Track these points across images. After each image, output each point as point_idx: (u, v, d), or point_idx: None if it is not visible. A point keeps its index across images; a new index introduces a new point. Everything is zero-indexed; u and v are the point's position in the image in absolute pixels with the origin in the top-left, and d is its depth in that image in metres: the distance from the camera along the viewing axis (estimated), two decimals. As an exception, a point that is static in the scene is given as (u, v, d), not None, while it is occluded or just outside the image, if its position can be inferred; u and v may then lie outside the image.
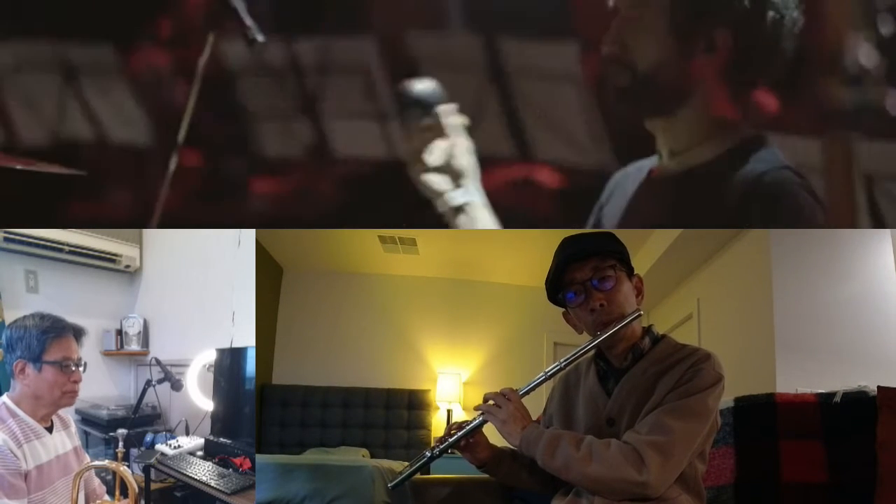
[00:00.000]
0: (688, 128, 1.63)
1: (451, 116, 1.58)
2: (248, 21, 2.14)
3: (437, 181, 1.58)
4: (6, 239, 3.60)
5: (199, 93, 2.13)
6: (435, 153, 1.57)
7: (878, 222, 2.64)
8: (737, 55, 1.58)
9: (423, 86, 1.59)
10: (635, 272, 1.73)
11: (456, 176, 1.58)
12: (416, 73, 2.74)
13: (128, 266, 4.38)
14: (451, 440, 1.71)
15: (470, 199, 1.58)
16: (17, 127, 2.83)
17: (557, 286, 1.71)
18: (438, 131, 1.57)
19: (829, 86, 2.61)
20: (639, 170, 1.75)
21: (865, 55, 2.57)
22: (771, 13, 1.56)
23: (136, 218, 2.90)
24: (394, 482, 1.77)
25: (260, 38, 2.14)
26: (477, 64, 2.76)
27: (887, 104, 2.60)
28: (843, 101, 2.59)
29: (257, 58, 2.27)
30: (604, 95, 1.67)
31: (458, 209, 1.58)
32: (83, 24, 2.77)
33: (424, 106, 1.58)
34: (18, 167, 2.00)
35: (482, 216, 1.59)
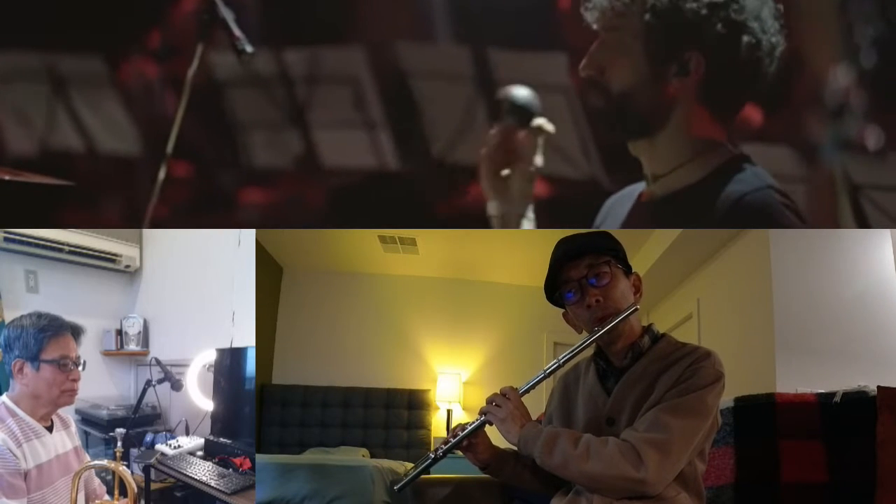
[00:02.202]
0: (668, 150, 1.63)
1: (543, 129, 1.58)
2: (237, 32, 2.14)
3: (501, 187, 1.58)
4: (6, 239, 3.60)
5: (188, 103, 2.13)
6: (513, 164, 1.58)
7: (863, 225, 2.67)
8: (710, 78, 1.58)
9: (526, 94, 1.59)
10: (633, 270, 1.74)
11: (520, 187, 1.58)
12: (405, 83, 2.75)
13: (128, 266, 4.38)
14: (454, 441, 1.72)
15: (522, 211, 1.59)
16: (6, 137, 2.83)
17: (554, 286, 1.72)
18: (528, 142, 1.57)
19: (811, 117, 2.64)
20: (630, 194, 1.76)
21: (846, 88, 2.60)
22: (746, 38, 1.56)
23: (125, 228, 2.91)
24: (400, 485, 1.77)
25: (249, 48, 2.14)
26: (465, 75, 2.76)
27: (866, 138, 2.62)
28: (824, 133, 2.63)
29: (246, 68, 2.27)
30: (590, 108, 1.67)
31: (503, 217, 1.59)
32: (72, 35, 2.78)
33: (524, 115, 1.58)
34: (6, 178, 1.99)
35: (525, 226, 1.60)
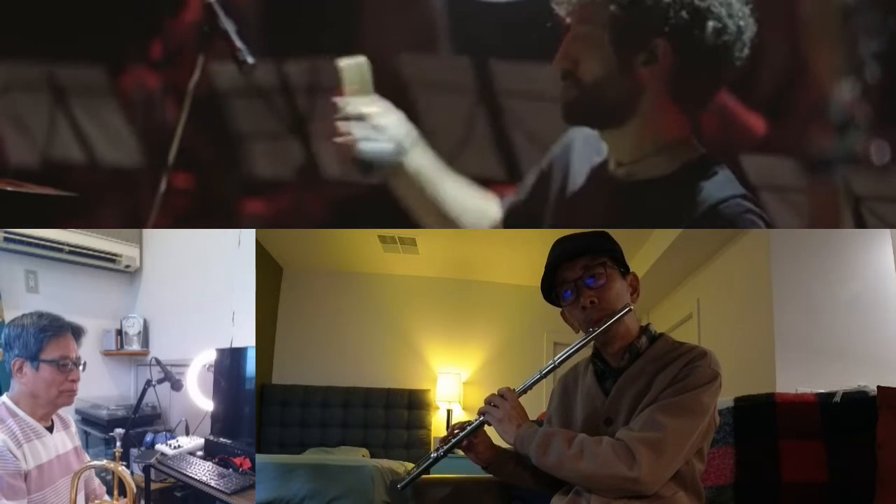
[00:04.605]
0: (635, 140, 1.66)
1: None
2: (239, 43, 2.14)
3: None
4: (6, 239, 3.60)
5: (189, 114, 2.13)
6: None
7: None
8: (678, 65, 1.61)
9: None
10: (631, 270, 1.74)
11: None
12: (406, 94, 2.75)
13: (128, 266, 4.38)
14: (454, 441, 1.73)
15: None
16: (6, 148, 2.83)
17: (551, 286, 1.73)
18: None
19: (814, 131, 2.64)
20: (586, 144, 1.77)
21: (851, 102, 2.60)
22: (711, 23, 1.58)
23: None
24: (402, 484, 1.78)
25: (250, 59, 2.14)
26: (466, 86, 2.76)
27: (871, 152, 2.63)
28: (827, 148, 2.63)
29: (247, 79, 2.26)
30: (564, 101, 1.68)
31: None
32: (73, 45, 2.77)
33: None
34: (8, 189, 1.99)
35: None
